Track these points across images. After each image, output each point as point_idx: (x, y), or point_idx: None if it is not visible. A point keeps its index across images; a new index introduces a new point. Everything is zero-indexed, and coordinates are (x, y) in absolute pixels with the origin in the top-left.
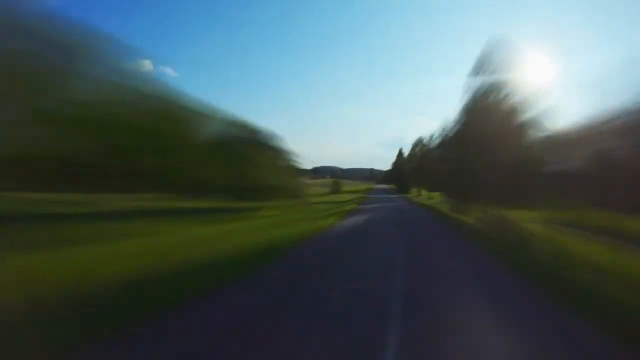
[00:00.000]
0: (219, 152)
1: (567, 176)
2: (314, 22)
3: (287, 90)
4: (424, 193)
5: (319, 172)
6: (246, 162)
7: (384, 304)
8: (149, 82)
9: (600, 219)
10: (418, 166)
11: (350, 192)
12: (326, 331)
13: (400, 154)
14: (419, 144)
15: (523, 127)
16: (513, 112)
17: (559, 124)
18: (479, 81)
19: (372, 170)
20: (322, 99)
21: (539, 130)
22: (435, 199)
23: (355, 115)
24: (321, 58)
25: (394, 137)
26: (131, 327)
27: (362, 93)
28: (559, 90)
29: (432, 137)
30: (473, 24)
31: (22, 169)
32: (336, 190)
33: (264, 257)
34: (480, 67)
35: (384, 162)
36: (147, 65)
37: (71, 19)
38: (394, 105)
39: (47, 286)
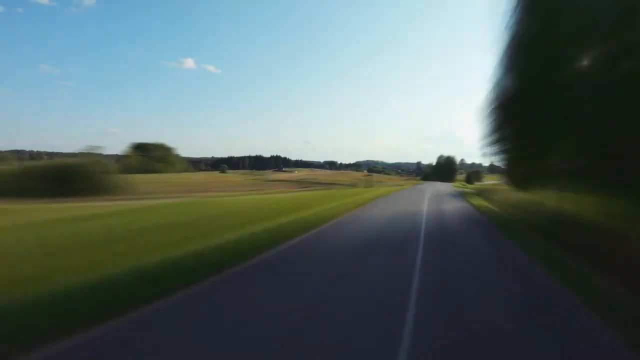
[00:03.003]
0: None
1: None
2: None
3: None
4: None
5: (357, 166)
6: None
7: None
8: None
9: None
10: None
11: None
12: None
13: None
14: None
15: None
16: None
17: None
18: None
19: (419, 163)
20: (369, 93)
21: None
22: None
23: (402, 109)
24: (368, 51)
25: (442, 130)
26: None
27: (409, 87)
28: None
29: None
30: None
31: None
32: None
33: None
34: None
35: (432, 157)
36: (190, 62)
37: None
38: (442, 100)
39: None
